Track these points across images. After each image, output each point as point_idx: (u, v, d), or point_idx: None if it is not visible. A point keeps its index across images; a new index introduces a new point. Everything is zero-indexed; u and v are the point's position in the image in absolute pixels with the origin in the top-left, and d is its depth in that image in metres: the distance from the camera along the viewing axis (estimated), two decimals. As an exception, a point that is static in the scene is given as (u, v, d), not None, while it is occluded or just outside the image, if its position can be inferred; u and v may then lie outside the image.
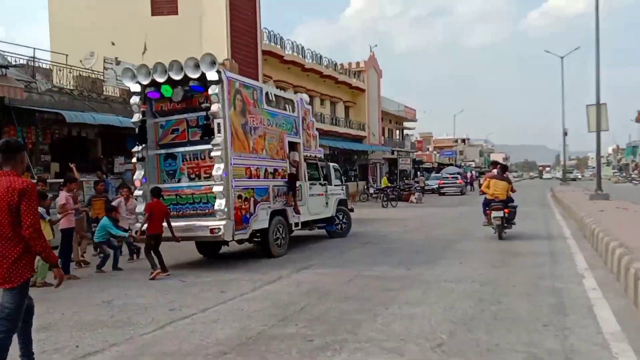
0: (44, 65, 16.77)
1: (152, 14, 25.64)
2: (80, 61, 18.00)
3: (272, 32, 29.73)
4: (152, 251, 8.33)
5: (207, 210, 8.82)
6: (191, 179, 9.26)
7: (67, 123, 14.47)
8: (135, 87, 9.23)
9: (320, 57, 35.90)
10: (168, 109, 9.38)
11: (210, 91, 8.63)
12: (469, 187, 47.33)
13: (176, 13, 25.85)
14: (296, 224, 10.93)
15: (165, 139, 9.50)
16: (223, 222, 8.54)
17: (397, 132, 57.08)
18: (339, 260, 9.57)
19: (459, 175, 39.04)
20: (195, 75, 8.70)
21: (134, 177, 9.43)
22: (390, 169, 52.53)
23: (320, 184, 12.32)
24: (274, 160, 10.18)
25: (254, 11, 27.61)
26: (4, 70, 14.08)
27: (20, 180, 3.70)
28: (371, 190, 33.88)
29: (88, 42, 20.24)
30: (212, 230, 8.56)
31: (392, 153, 51.26)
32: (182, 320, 5.70)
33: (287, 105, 10.96)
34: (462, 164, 75.79)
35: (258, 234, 9.93)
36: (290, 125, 10.96)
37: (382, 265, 8.85)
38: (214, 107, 8.61)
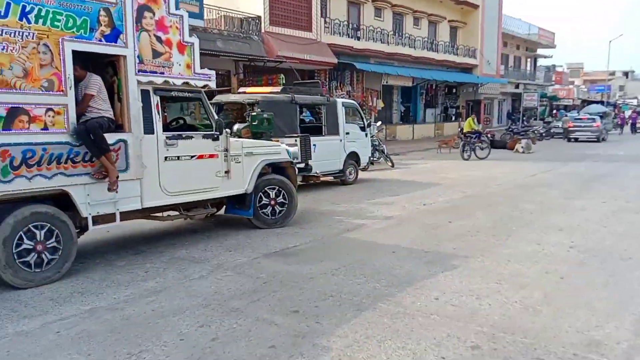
0: None
1: None
2: None
3: None
4: None
5: None
6: None
7: None
8: None
9: (414, -37, 28.34)
10: None
11: None
12: (618, 130, 37.19)
13: None
14: (100, 218, 5.61)
15: None
16: None
17: (528, 61, 46.82)
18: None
19: (598, 117, 29.37)
20: None
21: None
22: (513, 106, 43.48)
23: (208, 135, 6.71)
24: (9, 91, 4.84)
25: None
26: None
27: None
28: (469, 133, 26.61)
29: None
30: None
31: (517, 87, 41.98)
32: None
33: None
34: (619, 102, 62.24)
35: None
36: (90, 19, 5.38)
37: None
38: None
